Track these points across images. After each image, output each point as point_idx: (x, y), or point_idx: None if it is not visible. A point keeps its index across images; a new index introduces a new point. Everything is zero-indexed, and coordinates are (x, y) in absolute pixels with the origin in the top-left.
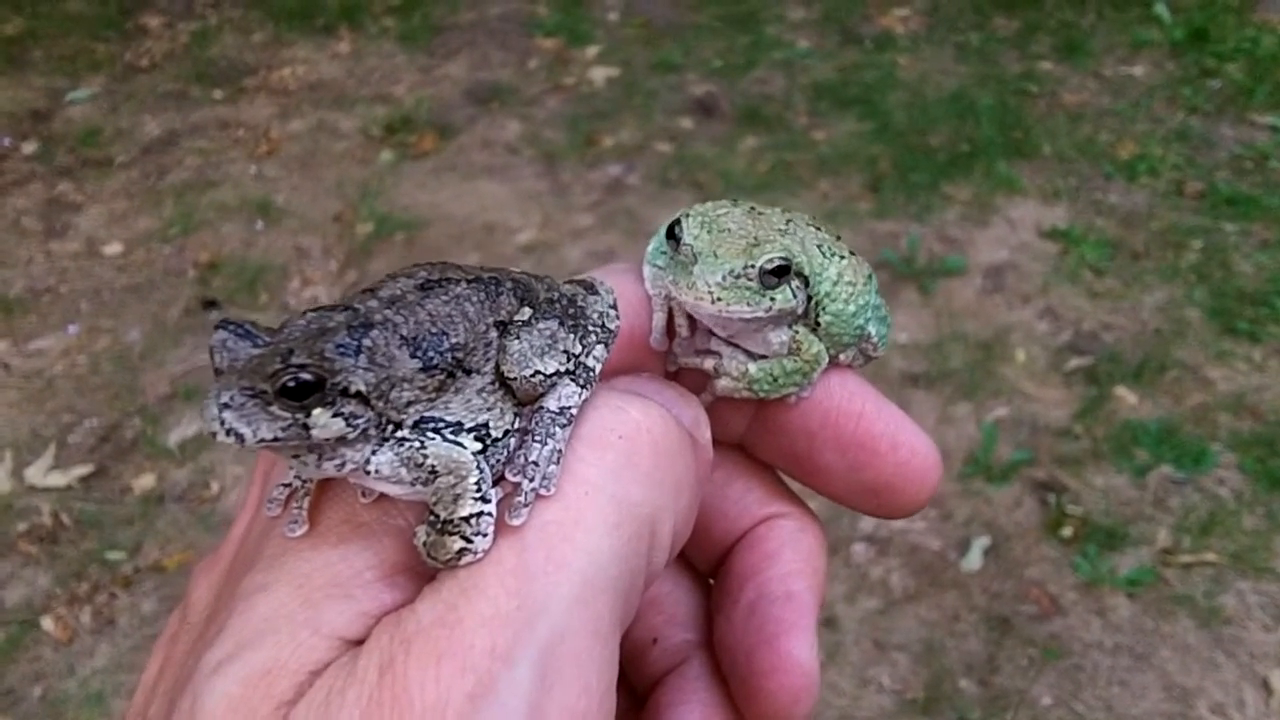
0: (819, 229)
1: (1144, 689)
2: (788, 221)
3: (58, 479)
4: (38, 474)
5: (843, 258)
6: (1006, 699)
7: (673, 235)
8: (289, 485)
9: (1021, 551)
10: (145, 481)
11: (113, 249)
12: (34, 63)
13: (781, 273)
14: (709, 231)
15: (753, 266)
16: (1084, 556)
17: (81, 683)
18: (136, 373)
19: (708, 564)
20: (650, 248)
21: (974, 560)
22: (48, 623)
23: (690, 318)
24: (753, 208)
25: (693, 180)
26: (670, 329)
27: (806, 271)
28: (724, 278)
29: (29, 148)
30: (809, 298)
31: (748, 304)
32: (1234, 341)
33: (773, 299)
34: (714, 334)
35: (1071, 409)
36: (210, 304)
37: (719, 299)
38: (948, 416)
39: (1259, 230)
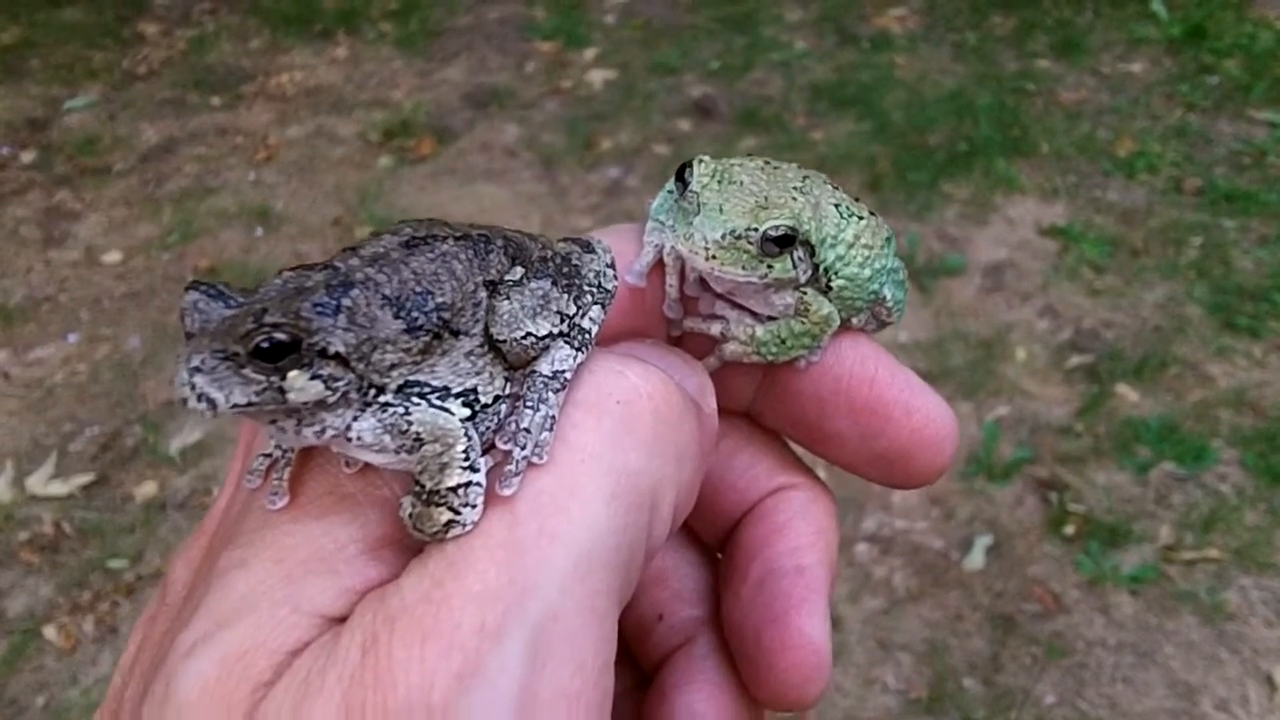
0: (836, 188)
1: (1148, 686)
2: (804, 179)
3: (59, 488)
4: (39, 483)
5: (861, 219)
6: (1010, 698)
7: (682, 178)
8: (269, 456)
9: (1024, 550)
10: (147, 489)
11: (112, 257)
12: (31, 71)
13: (785, 242)
14: (719, 181)
15: (755, 230)
16: (1086, 554)
17: (84, 692)
18: (137, 380)
19: (715, 537)
20: (655, 203)
21: (976, 559)
22: (50, 632)
23: (701, 281)
24: (767, 162)
25: None
26: (680, 283)
27: (813, 240)
28: (723, 236)
29: (27, 156)
30: (814, 266)
31: (743, 268)
32: (1234, 337)
33: (770, 267)
34: (719, 297)
35: (1072, 407)
36: None
37: (714, 256)
38: None
39: (1258, 226)
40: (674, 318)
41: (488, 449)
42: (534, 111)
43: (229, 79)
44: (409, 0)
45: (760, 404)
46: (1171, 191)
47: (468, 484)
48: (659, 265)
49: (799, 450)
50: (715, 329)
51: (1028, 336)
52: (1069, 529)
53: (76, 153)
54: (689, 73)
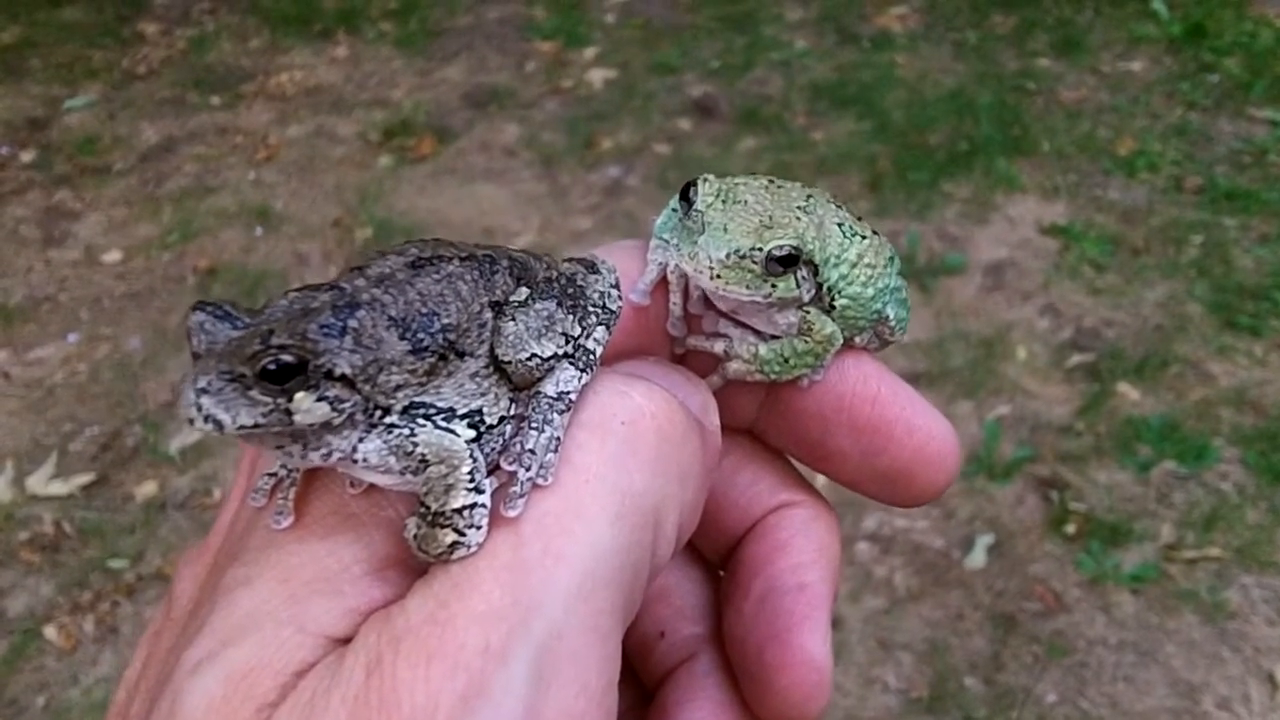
0: (840, 207)
1: (1149, 685)
2: (808, 198)
3: (59, 488)
4: (39, 483)
5: (864, 238)
6: (1012, 697)
7: (686, 197)
8: (275, 475)
9: (1025, 549)
10: (147, 489)
11: (112, 256)
12: (31, 71)
13: (789, 262)
14: (724, 201)
15: (759, 250)
16: (1088, 553)
17: (85, 691)
18: (137, 380)
19: (717, 554)
20: (659, 221)
21: (978, 558)
22: (51, 632)
23: (705, 299)
24: (771, 181)
25: None
26: (683, 301)
27: (817, 260)
28: (728, 255)
29: (27, 156)
30: (818, 285)
31: (747, 287)
32: (1235, 336)
33: (774, 286)
34: (722, 315)
35: (1073, 405)
36: None
37: (718, 276)
38: (949, 415)
39: (1258, 225)
40: (677, 335)
41: (492, 470)
42: (534, 111)
43: (229, 78)
44: (409, 0)
45: (763, 422)
46: (1172, 190)
47: (473, 505)
48: (663, 283)
49: (801, 467)
50: (719, 347)
51: (1028, 335)
52: (1070, 528)
53: (76, 152)
54: (689, 72)
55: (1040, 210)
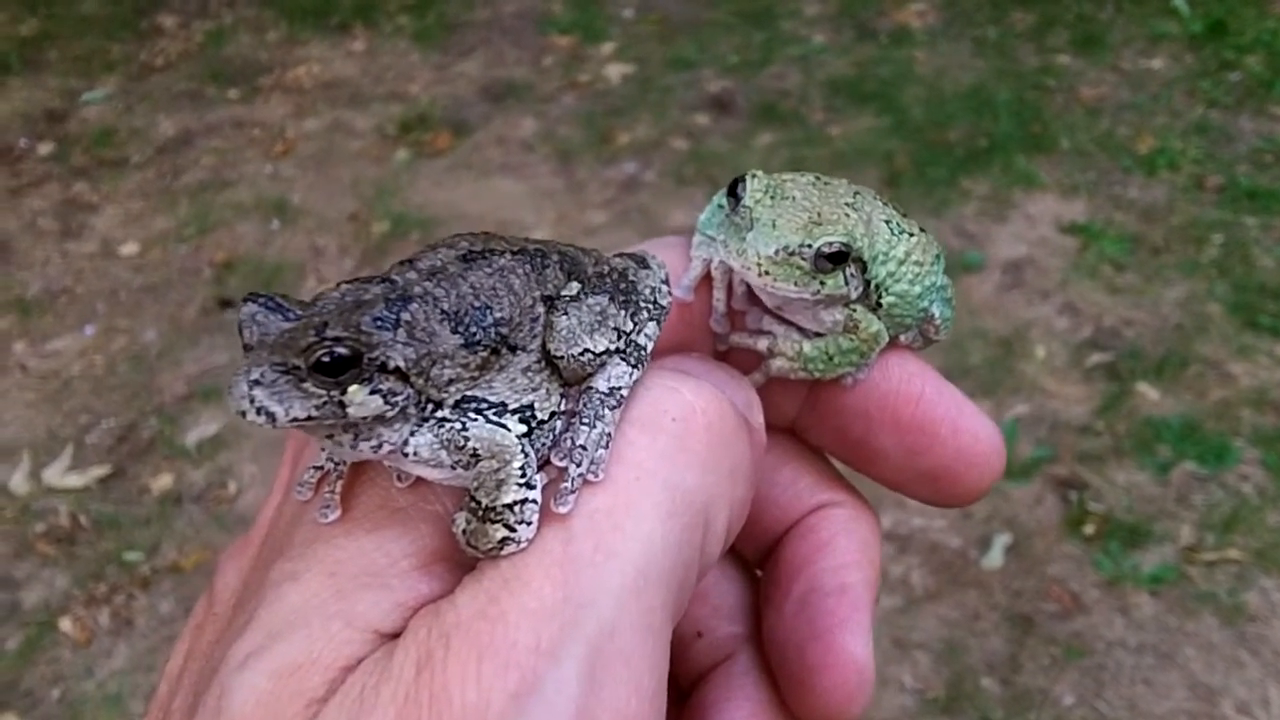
0: (886, 204)
1: (1168, 688)
2: (855, 194)
3: (75, 480)
4: (55, 475)
5: (911, 235)
6: (1029, 698)
7: (734, 193)
8: (321, 468)
9: (1043, 549)
10: (163, 482)
11: (129, 249)
12: (49, 63)
13: (838, 259)
14: (772, 197)
15: (809, 246)
16: (1106, 554)
17: (100, 684)
18: (153, 373)
19: (756, 554)
20: (703, 217)
21: (995, 558)
22: (66, 624)
23: (749, 295)
24: (818, 178)
25: (708, 177)
26: (727, 297)
27: (865, 257)
28: (776, 252)
29: (45, 148)
30: (865, 282)
31: (795, 283)
32: (1256, 336)
33: (822, 283)
34: (766, 311)
35: (1092, 405)
36: (227, 304)
37: (766, 272)
38: None
39: (1279, 224)
40: (721, 332)
41: (543, 465)
42: (551, 106)
43: (246, 72)
44: None
45: (804, 420)
46: (1192, 189)
47: (524, 501)
48: (706, 279)
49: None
50: (762, 344)
51: (1047, 334)
52: (1088, 528)
53: (93, 145)
54: (707, 67)
55: (1059, 208)
